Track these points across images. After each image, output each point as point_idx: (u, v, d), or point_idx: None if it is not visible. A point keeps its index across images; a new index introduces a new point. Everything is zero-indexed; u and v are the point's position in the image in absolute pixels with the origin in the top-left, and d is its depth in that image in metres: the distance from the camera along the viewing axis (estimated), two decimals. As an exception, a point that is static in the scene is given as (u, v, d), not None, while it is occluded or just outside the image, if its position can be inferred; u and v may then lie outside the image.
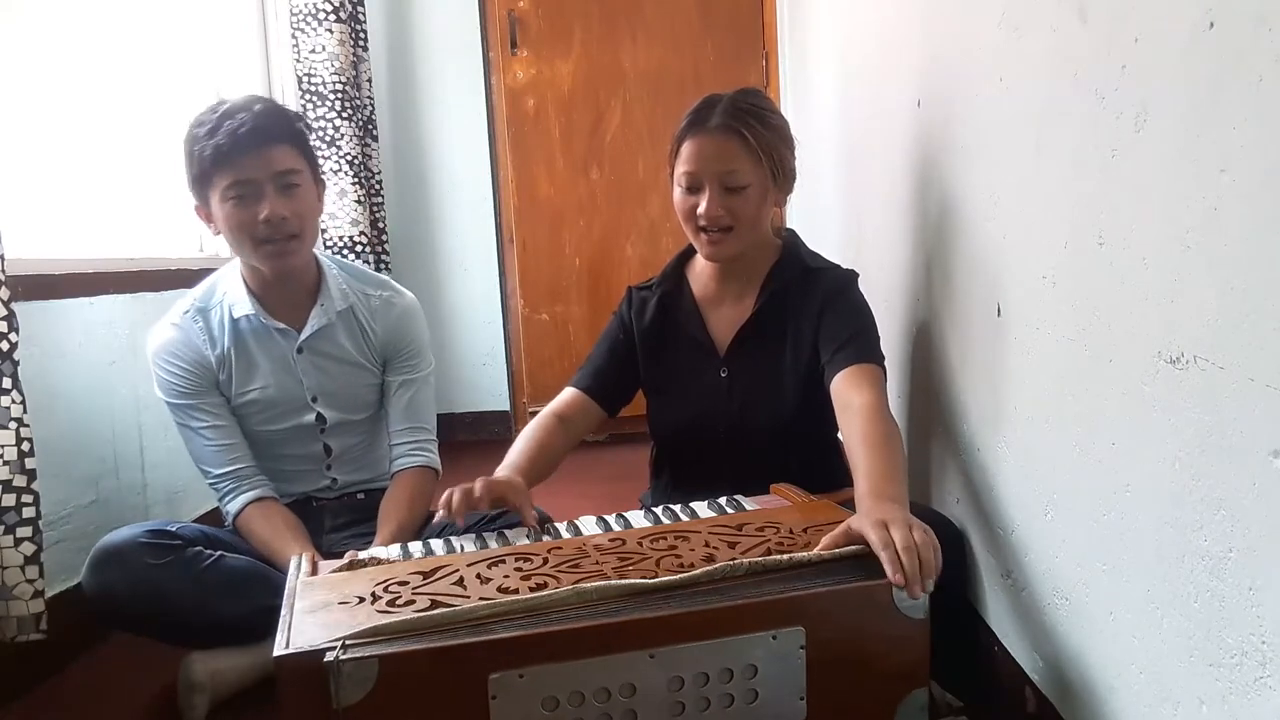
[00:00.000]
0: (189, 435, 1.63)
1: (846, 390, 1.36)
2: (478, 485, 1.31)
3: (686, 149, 1.46)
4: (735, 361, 1.55)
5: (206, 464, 1.63)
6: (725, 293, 1.58)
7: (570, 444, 1.56)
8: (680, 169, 1.47)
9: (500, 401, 3.48)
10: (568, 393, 1.60)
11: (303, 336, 1.66)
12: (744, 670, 0.98)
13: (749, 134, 1.43)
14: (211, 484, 1.64)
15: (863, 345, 1.42)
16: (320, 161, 2.53)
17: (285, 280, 1.64)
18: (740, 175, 1.44)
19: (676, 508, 1.31)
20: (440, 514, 1.31)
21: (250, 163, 1.51)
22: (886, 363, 1.44)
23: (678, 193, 1.49)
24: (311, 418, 1.68)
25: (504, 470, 1.41)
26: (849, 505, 1.22)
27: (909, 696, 1.03)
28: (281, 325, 1.65)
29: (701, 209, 1.44)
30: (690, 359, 1.58)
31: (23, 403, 1.42)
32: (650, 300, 1.61)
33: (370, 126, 3.08)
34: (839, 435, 1.52)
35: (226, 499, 1.62)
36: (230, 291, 1.65)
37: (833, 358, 1.42)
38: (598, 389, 1.60)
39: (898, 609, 1.00)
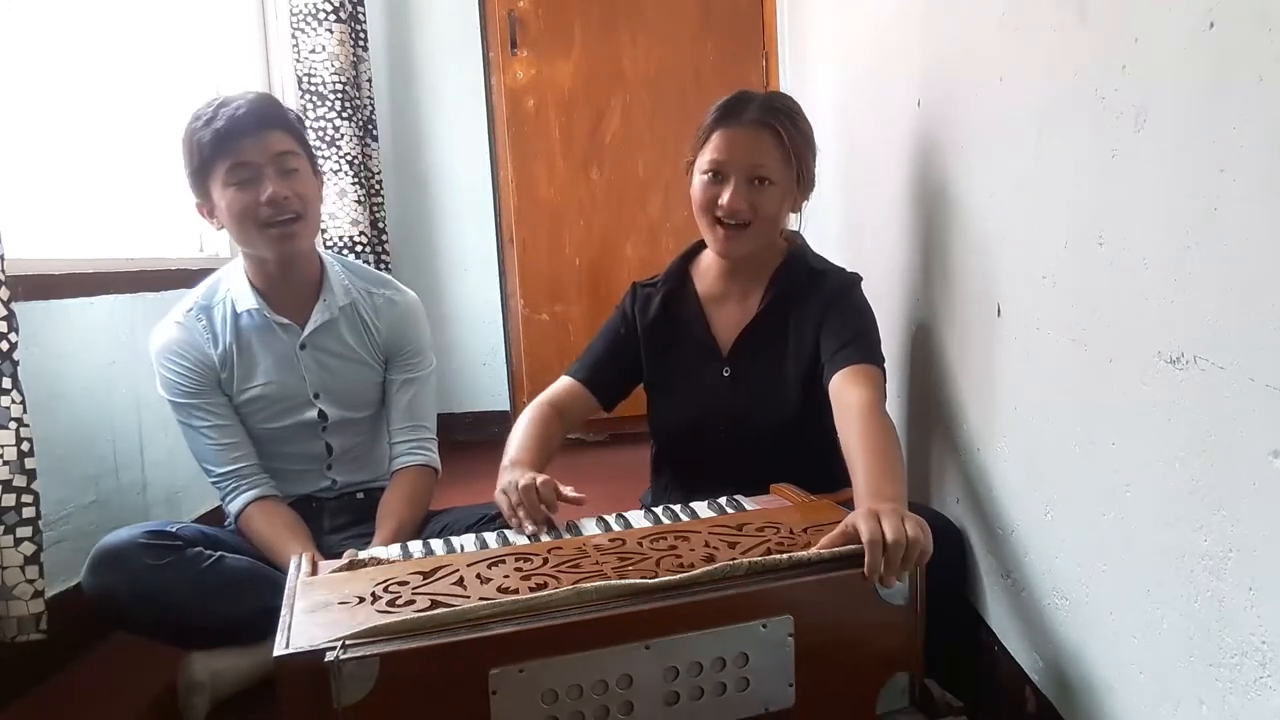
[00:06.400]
0: (191, 434, 1.63)
1: (844, 389, 1.36)
2: (541, 488, 1.28)
3: (717, 138, 1.46)
4: (738, 362, 1.55)
5: (209, 463, 1.63)
6: (730, 293, 1.58)
7: (565, 434, 1.56)
8: (707, 157, 1.46)
9: (500, 401, 3.47)
10: (564, 381, 1.60)
11: (306, 332, 1.66)
12: (736, 659, 1.00)
13: (783, 132, 1.44)
14: (214, 482, 1.64)
15: (862, 346, 1.42)
16: (320, 162, 2.55)
17: (288, 271, 1.64)
18: (768, 170, 1.44)
19: (676, 508, 1.31)
20: (530, 528, 1.25)
21: (249, 146, 1.52)
22: (887, 363, 1.44)
23: (699, 181, 1.48)
24: (313, 414, 1.68)
25: (518, 465, 1.40)
26: (849, 505, 1.22)
27: (891, 680, 1.07)
28: (284, 320, 1.65)
29: (724, 200, 1.44)
30: (693, 358, 1.57)
31: (23, 403, 1.43)
32: (654, 297, 1.61)
33: (370, 127, 3.08)
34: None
35: (228, 498, 1.62)
36: (233, 287, 1.65)
37: (832, 358, 1.42)
38: (594, 381, 1.60)
39: (880, 596, 1.04)
